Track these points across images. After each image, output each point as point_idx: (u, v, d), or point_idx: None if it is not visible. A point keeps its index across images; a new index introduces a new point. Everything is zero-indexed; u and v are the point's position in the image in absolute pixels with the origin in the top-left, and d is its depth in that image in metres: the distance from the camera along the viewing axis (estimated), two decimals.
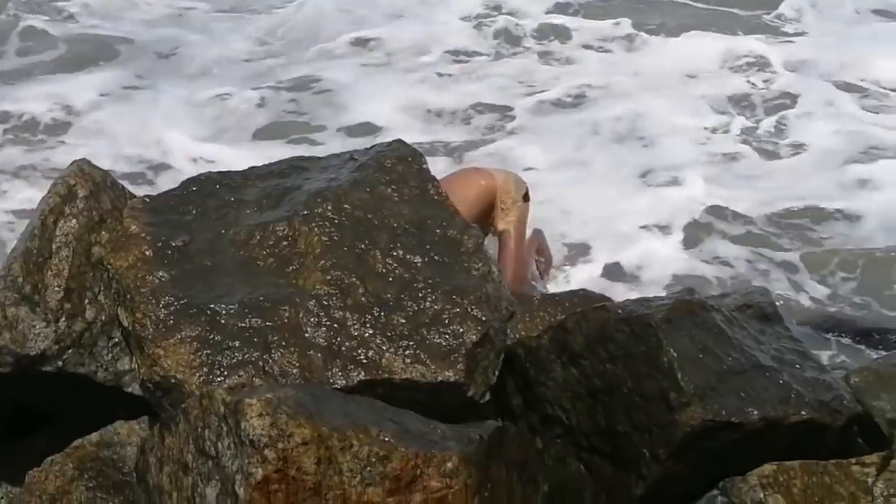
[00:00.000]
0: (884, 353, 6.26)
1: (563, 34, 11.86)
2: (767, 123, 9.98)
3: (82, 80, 11.00)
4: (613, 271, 7.64)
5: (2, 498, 4.76)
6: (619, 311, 4.36)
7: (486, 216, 6.84)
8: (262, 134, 10.02)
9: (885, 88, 10.57)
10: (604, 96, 10.49)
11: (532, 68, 11.19)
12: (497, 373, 4.49)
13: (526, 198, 6.95)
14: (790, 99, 10.38)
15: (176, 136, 9.81)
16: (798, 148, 9.56)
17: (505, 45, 11.69)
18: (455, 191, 6.59)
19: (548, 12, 12.31)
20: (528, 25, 11.98)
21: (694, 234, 8.13)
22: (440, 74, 11.02)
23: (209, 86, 10.84)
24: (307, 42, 11.76)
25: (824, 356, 6.24)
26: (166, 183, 8.31)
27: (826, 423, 4.29)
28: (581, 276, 7.45)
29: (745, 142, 9.67)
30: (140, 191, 5.75)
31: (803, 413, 4.22)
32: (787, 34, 11.86)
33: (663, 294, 6.31)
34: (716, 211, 8.40)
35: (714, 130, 9.85)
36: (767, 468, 4.02)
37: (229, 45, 11.83)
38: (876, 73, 10.84)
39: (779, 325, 4.72)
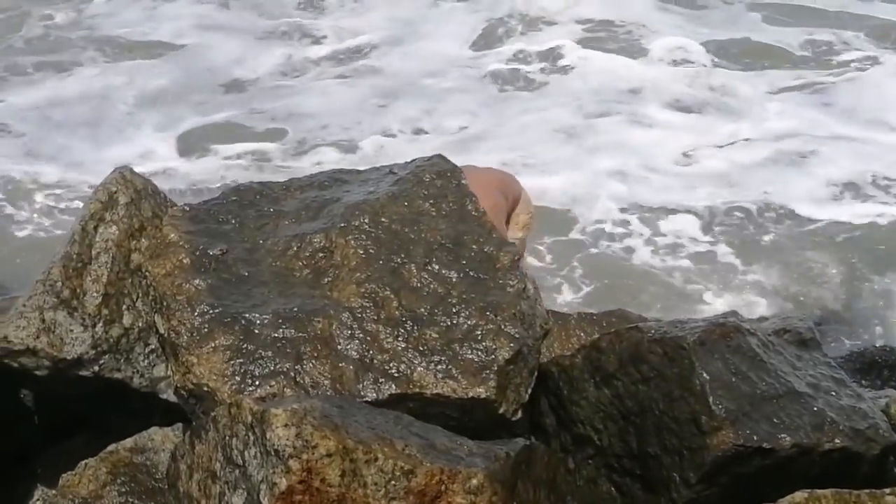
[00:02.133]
0: None
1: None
2: None
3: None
4: None
5: (37, 500, 4.79)
6: (653, 332, 4.33)
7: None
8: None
9: None
10: None
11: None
12: (530, 391, 4.46)
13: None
14: None
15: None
16: None
17: None
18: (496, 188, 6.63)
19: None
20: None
21: None
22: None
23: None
24: None
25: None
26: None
27: (860, 451, 4.22)
28: None
29: None
30: None
31: (837, 441, 4.17)
32: None
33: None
34: None
35: None
36: (799, 496, 3.95)
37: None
38: None
39: (816, 352, 4.66)
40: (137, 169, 5.09)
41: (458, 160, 5.23)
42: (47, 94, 11.86)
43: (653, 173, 10.04)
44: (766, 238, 9.05)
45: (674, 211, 9.44)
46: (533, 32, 13.31)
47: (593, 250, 8.86)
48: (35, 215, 9.60)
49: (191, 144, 10.86)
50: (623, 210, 9.45)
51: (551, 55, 12.62)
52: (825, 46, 12.73)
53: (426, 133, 10.99)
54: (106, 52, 12.95)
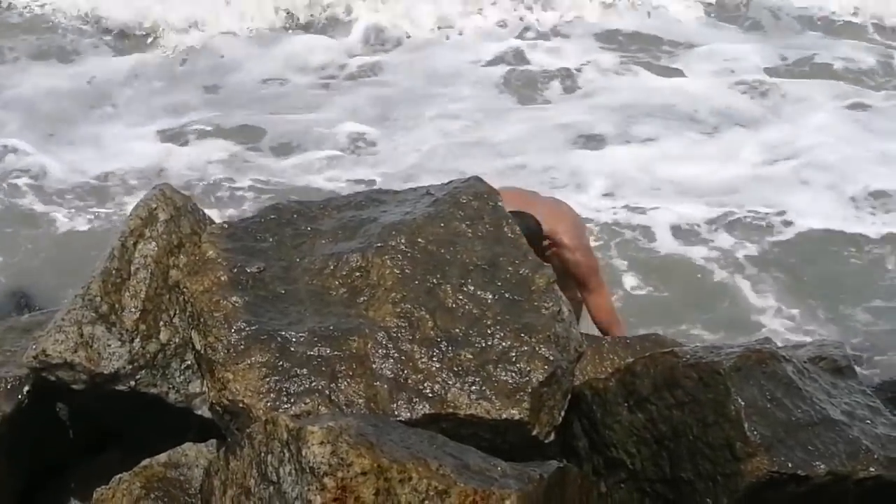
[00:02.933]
0: None
1: None
2: None
3: None
4: None
5: None
6: (688, 357, 4.32)
7: None
8: None
9: None
10: None
11: None
12: (563, 413, 4.47)
13: None
14: None
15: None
16: None
17: None
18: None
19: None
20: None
21: None
22: None
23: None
24: None
25: None
26: None
27: (895, 480, 4.20)
28: None
29: None
30: None
31: (871, 469, 4.14)
32: None
33: None
34: None
35: None
36: None
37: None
38: None
39: (852, 379, 4.65)
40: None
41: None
42: (40, 84, 11.89)
43: (679, 186, 10.00)
44: (797, 256, 9.02)
45: (698, 223, 9.40)
46: (558, 39, 13.28)
47: (614, 261, 8.87)
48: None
49: (174, 142, 10.95)
50: (644, 220, 9.42)
51: (578, 64, 12.62)
52: (883, 65, 12.59)
53: (426, 139, 10.96)
54: (108, 41, 12.98)
